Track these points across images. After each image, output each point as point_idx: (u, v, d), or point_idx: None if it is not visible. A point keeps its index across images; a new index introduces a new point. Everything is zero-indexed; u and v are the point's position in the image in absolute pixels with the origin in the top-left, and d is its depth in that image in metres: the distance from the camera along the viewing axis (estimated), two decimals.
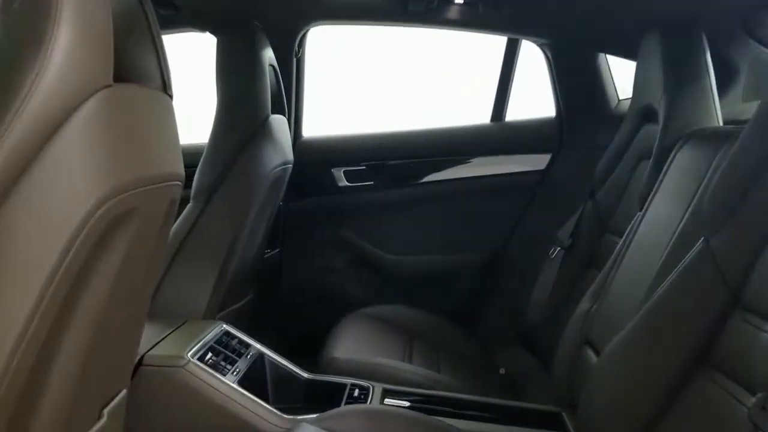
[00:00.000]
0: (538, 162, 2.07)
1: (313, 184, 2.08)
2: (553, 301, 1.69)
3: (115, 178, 0.70)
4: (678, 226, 1.11)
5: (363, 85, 2.62)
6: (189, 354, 1.19)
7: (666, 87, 1.39)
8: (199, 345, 1.23)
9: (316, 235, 2.09)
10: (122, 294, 0.81)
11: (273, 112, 1.63)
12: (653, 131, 1.46)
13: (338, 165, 2.07)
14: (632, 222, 1.34)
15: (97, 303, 0.74)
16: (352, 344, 1.55)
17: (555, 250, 1.76)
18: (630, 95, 1.88)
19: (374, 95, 2.59)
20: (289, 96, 1.98)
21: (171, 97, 0.88)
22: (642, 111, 1.56)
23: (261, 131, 1.53)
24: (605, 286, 1.30)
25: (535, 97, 2.21)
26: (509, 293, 2.01)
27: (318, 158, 2.08)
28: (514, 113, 2.17)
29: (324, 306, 2.02)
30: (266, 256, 1.94)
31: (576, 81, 2.04)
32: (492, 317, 2.06)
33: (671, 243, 1.09)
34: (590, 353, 1.26)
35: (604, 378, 1.04)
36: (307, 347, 1.64)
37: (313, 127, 2.15)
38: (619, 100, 2.06)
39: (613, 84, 2.07)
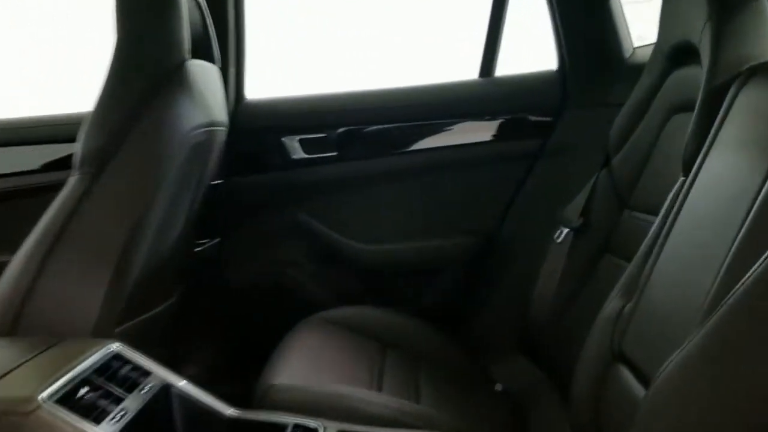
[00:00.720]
0: (537, 125, 1.82)
1: (261, 156, 1.84)
2: (562, 297, 1.47)
3: None
4: (760, 189, 0.79)
5: (322, 34, 2.36)
6: (45, 393, 0.85)
7: (711, 14, 1.13)
8: (66, 378, 0.90)
9: (265, 221, 1.85)
10: None
11: (196, 58, 1.34)
12: (690, 76, 1.23)
13: (292, 132, 1.82)
14: (673, 192, 1.07)
15: None
16: (300, 364, 1.27)
17: (562, 232, 1.53)
18: (646, 42, 1.75)
19: (336, 46, 2.35)
20: (225, 44, 1.72)
21: None
22: (672, 52, 1.32)
23: (174, 79, 1.23)
24: (641, 279, 1.01)
25: (532, 47, 1.97)
26: (506, 288, 1.80)
27: (267, 124, 1.84)
28: (508, 67, 1.90)
29: (276, 310, 1.80)
30: (200, 248, 1.69)
31: (583, 24, 1.79)
32: (485, 318, 1.83)
33: (752, 215, 0.78)
34: (626, 373, 0.97)
35: (663, 418, 0.72)
36: (253, 367, 1.38)
37: (260, 87, 1.90)
38: (634, 49, 1.82)
39: (627, 28, 1.82)
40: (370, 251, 1.84)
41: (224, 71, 1.68)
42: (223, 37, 1.71)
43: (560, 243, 1.52)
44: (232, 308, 1.86)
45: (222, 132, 1.49)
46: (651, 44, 1.65)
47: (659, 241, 1.02)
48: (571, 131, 1.79)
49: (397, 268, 1.87)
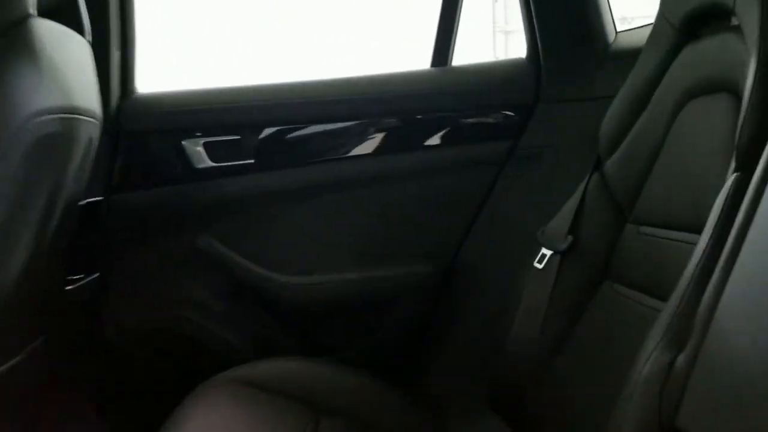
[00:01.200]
0: (504, 124, 1.69)
1: (155, 165, 1.66)
2: (549, 338, 1.30)
3: None
4: None
5: (237, 13, 2.30)
6: None
7: None
8: None
9: (158, 249, 1.67)
10: None
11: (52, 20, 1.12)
12: (715, 47, 1.10)
13: (196, 134, 1.64)
14: (724, 195, 0.86)
15: None
16: None
17: (544, 256, 1.37)
18: (629, 26, 1.72)
19: (255, 28, 2.31)
20: (104, 17, 1.54)
21: None
22: (686, 21, 1.18)
23: (10, 38, 1.00)
24: (695, 321, 0.79)
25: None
26: (472, 329, 1.66)
27: (162, 124, 1.66)
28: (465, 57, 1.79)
29: (171, 367, 1.65)
30: (71, 286, 1.47)
31: (557, 4, 1.69)
32: (446, 369, 1.69)
33: None
34: None
35: None
36: None
37: (155, 78, 1.80)
38: (617, 33, 1.72)
39: (609, 8, 1.72)
40: (296, 285, 1.67)
41: (104, 54, 1.53)
42: (102, 8, 1.53)
43: (543, 269, 1.35)
44: (112, 365, 1.66)
45: (91, 126, 1.25)
46: (639, 27, 1.64)
47: (719, 267, 0.78)
48: (546, 131, 1.67)
49: (332, 306, 1.72)
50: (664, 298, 1.00)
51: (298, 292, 1.67)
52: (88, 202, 1.44)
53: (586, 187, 1.34)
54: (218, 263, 1.66)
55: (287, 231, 1.69)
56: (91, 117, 1.22)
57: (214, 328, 1.68)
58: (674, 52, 1.21)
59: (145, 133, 1.62)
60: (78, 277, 1.50)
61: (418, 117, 1.69)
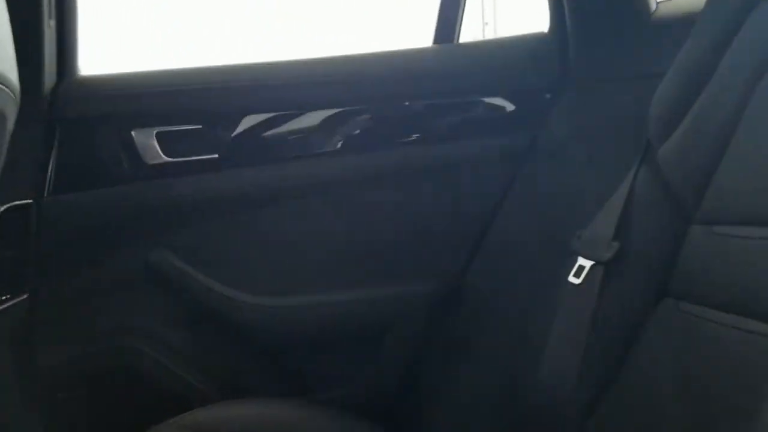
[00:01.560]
0: (524, 111, 1.61)
1: (97, 161, 1.54)
2: (594, 373, 1.15)
3: None
4: None
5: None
6: None
7: None
8: None
9: (102, 264, 1.54)
10: None
11: None
12: None
13: (148, 123, 1.53)
14: None
15: None
16: None
17: (582, 267, 1.23)
18: None
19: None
20: None
21: None
22: None
23: None
24: None
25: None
26: (488, 360, 1.51)
27: (106, 111, 1.53)
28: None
29: (116, 410, 1.51)
30: None
31: None
32: (455, 410, 1.54)
33: None
34: None
35: None
36: None
37: (101, 58, 1.70)
38: (657, 4, 1.60)
39: None
40: (269, 309, 1.54)
41: (34, 23, 1.40)
42: None
43: (581, 284, 1.21)
44: (42, 407, 1.52)
45: (3, 95, 1.05)
46: None
47: None
48: (575, 118, 1.55)
49: (314, 334, 1.59)
50: (763, 316, 0.85)
51: (272, 317, 1.54)
52: (12, 206, 1.31)
53: (633, 183, 1.20)
54: (174, 281, 1.52)
55: (259, 242, 1.56)
56: (2, 83, 1.02)
57: (169, 362, 1.53)
58: (746, 9, 1.09)
59: (86, 121, 1.48)
60: (1, 299, 1.37)
61: (419, 104, 1.59)
